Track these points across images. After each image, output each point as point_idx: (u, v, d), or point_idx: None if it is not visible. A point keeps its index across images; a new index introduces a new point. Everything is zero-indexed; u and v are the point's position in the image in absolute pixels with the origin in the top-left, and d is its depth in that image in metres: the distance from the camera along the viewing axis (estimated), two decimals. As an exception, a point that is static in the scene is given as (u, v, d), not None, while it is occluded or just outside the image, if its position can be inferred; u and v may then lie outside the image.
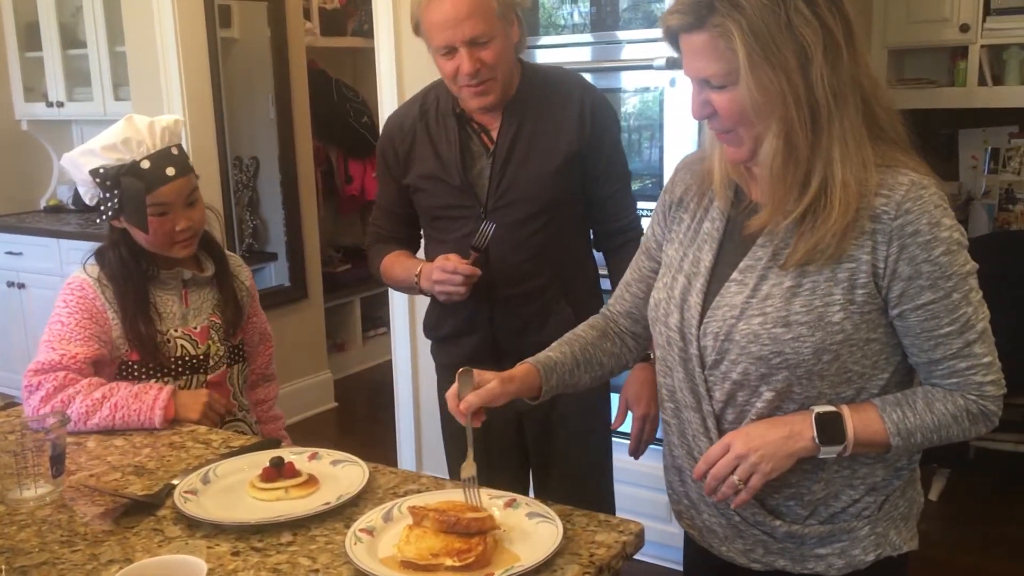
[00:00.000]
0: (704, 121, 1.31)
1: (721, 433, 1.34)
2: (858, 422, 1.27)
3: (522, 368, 1.47)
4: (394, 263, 2.06)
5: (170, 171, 1.85)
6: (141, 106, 3.97)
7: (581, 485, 2.07)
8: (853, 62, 1.22)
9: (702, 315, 1.34)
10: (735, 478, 1.28)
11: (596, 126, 1.96)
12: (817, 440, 1.26)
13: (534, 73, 1.98)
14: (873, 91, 1.25)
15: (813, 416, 1.27)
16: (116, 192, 1.83)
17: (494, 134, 1.94)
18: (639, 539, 1.33)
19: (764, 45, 1.17)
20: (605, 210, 2.04)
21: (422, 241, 2.17)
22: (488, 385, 1.39)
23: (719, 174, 1.36)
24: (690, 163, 1.47)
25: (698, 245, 1.38)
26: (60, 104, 4.78)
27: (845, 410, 1.27)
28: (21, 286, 4.69)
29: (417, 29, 1.87)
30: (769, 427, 1.28)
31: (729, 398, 1.33)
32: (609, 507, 2.12)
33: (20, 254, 4.68)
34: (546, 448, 2.09)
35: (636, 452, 1.87)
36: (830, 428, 1.26)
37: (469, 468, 1.38)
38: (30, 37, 4.81)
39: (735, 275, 1.32)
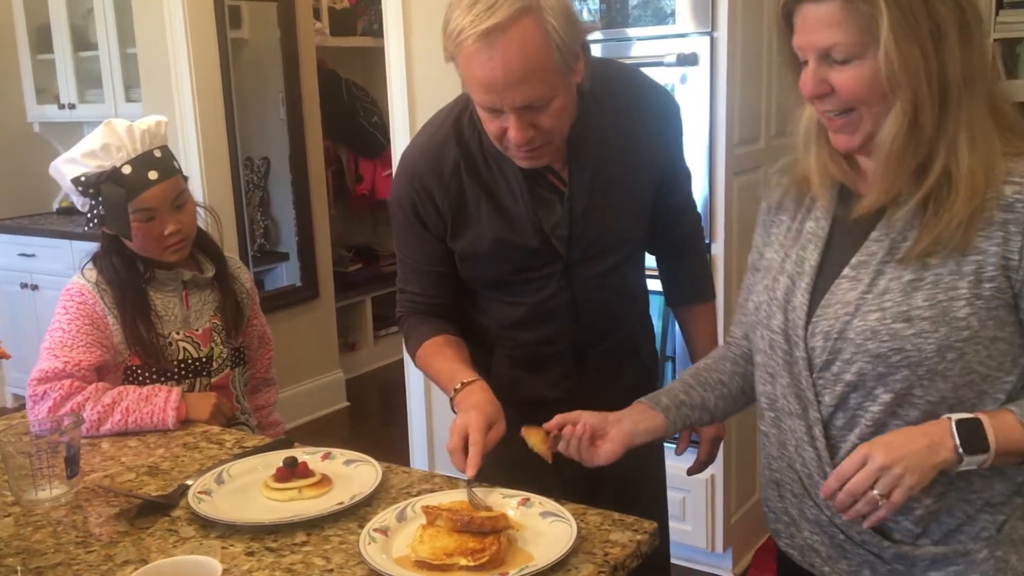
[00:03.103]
0: (812, 103, 1.22)
1: (829, 441, 1.26)
2: (998, 428, 1.15)
3: (632, 409, 1.44)
4: (435, 356, 1.62)
5: (152, 175, 1.80)
6: (152, 107, 3.98)
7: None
8: (981, 48, 1.17)
9: (809, 315, 1.26)
10: (876, 492, 1.15)
11: (672, 130, 1.69)
12: (961, 450, 1.15)
13: (596, 85, 1.57)
14: (994, 82, 1.21)
15: (953, 423, 1.16)
16: (100, 200, 1.78)
17: (563, 172, 1.58)
18: (653, 538, 1.33)
19: (905, 14, 1.12)
20: (683, 215, 1.78)
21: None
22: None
23: (818, 175, 1.28)
24: (783, 167, 1.39)
25: (801, 245, 1.30)
26: (72, 106, 4.80)
27: (983, 417, 1.16)
28: (34, 288, 4.71)
29: (451, 62, 1.44)
30: (909, 437, 1.17)
31: (840, 402, 1.24)
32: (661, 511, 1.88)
33: (33, 256, 4.69)
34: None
35: (696, 472, 1.80)
36: (973, 436, 1.15)
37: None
38: (41, 39, 4.83)
39: (846, 271, 1.23)
